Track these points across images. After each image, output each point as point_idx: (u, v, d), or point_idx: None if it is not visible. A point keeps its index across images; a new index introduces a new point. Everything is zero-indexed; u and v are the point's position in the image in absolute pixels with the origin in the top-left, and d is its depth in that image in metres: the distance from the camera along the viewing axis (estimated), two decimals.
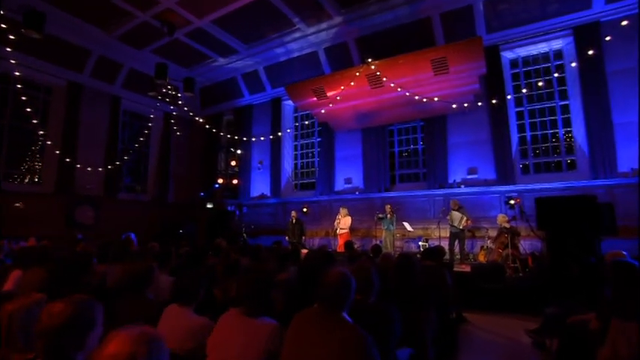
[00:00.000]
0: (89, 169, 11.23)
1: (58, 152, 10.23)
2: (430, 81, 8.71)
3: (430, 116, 10.09)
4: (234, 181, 12.80)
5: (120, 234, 12.20)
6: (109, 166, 11.82)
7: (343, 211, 8.93)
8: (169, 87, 10.24)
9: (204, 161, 14.21)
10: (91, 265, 2.87)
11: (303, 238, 9.83)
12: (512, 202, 8.05)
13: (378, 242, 9.27)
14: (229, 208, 12.71)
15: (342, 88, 8.55)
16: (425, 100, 8.10)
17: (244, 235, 9.16)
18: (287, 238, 9.73)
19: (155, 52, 11.98)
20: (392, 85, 8.11)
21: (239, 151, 13.08)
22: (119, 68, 12.06)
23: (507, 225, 6.84)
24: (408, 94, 8.02)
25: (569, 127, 9.20)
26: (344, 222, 8.75)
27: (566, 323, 3.30)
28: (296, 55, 11.80)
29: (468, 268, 6.20)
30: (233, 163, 12.64)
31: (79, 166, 10.78)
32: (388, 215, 8.53)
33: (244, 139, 13.24)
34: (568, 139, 9.27)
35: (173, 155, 14.28)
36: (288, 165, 12.97)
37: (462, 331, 4.68)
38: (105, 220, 11.70)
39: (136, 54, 11.94)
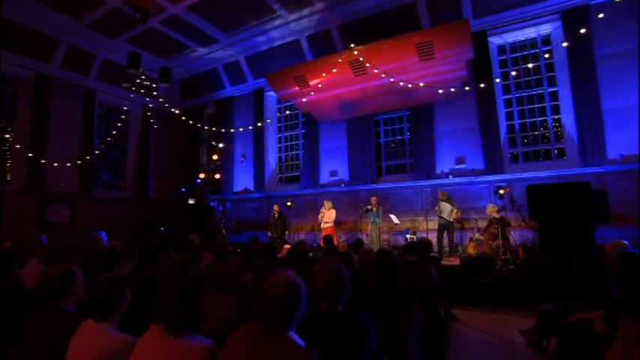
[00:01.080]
0: (62, 165, 10.57)
1: (19, 147, 9.58)
2: (416, 67, 8.28)
3: (416, 105, 9.68)
4: (217, 176, 12.25)
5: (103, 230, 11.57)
6: (80, 162, 11.13)
7: (327, 204, 8.48)
8: (143, 77, 9.60)
9: (186, 155, 13.60)
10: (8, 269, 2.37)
11: (286, 233, 9.38)
12: (501, 191, 7.70)
13: (364, 236, 8.91)
14: (212, 203, 12.18)
15: (324, 75, 8.06)
16: (410, 86, 7.66)
17: (223, 231, 8.67)
18: (269, 233, 9.27)
19: (130, 42, 11.31)
20: (375, 71, 7.66)
21: (221, 145, 12.52)
22: (92, 59, 11.36)
23: (497, 215, 6.49)
24: (392, 79, 7.58)
25: (558, 114, 8.89)
26: (328, 215, 8.31)
27: (565, 322, 2.92)
28: (278, 43, 11.26)
29: (457, 262, 5.82)
30: (215, 157, 12.08)
31: (43, 161, 10.09)
32: (374, 208, 8.12)
33: (226, 131, 12.69)
34: (557, 127, 8.96)
35: (153, 150, 13.64)
36: (272, 158, 12.47)
37: (451, 329, 4.29)
38: (81, 219, 11.09)
39: (110, 44, 11.25)
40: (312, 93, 8.77)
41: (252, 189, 12.23)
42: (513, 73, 8.81)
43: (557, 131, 8.95)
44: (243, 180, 12.59)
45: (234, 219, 12.18)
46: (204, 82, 13.13)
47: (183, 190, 12.39)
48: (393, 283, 2.53)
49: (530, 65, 9.12)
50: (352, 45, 8.02)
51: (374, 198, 8.28)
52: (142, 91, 10.32)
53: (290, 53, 11.18)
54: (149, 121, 13.35)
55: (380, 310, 2.31)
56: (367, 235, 8.47)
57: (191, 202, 12.19)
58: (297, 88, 9.22)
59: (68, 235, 9.62)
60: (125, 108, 12.63)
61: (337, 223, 10.17)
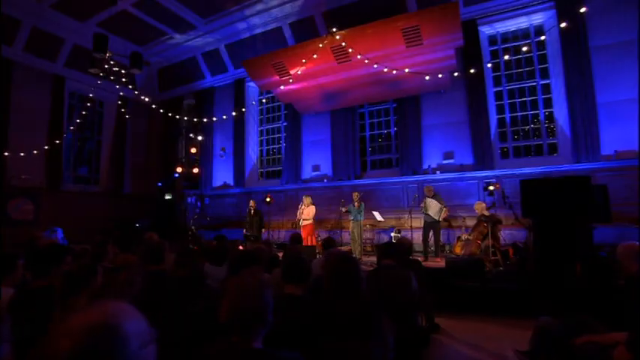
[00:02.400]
0: (25, 156, 9.74)
1: None
2: (402, 55, 7.67)
3: (403, 96, 9.08)
4: (195, 170, 11.51)
5: (66, 229, 10.77)
6: (46, 153, 10.31)
7: (306, 200, 7.84)
8: (112, 63, 8.83)
9: (164, 149, 12.84)
10: None
11: (263, 230, 8.72)
12: (491, 187, 7.14)
13: (347, 234, 8.29)
14: (189, 199, 11.44)
15: (304, 62, 7.39)
16: (395, 72, 7.03)
17: (192, 228, 7.97)
18: (244, 230, 8.61)
19: (101, 26, 10.46)
20: (359, 57, 7.02)
21: (200, 138, 11.77)
22: (60, 43, 10.50)
23: (486, 213, 5.93)
24: (376, 66, 6.95)
25: (551, 107, 8.37)
26: (307, 212, 7.67)
27: (570, 344, 2.34)
28: (259, 31, 10.55)
29: (442, 263, 5.24)
30: (193, 150, 11.34)
31: (7, 153, 9.26)
32: (355, 204, 7.51)
33: (206, 124, 11.96)
34: (549, 121, 8.45)
35: (129, 142, 12.85)
36: (253, 152, 11.77)
37: (434, 343, 3.69)
38: (48, 215, 10.22)
39: (80, 27, 10.41)
40: (291, 81, 8.10)
41: (232, 184, 11.53)
42: (506, 57, 8.22)
43: (549, 125, 8.44)
44: (222, 175, 11.87)
45: (213, 215, 11.48)
46: (183, 71, 12.36)
47: (160, 184, 11.62)
48: (356, 302, 1.91)
49: (522, 56, 8.61)
50: (334, 29, 7.37)
51: (356, 194, 7.66)
52: (112, 77, 9.50)
53: (272, 41, 10.46)
54: (125, 113, 12.56)
55: (337, 342, 1.69)
56: (349, 233, 7.86)
57: (168, 197, 11.43)
58: (277, 76, 8.54)
59: (31, 233, 8.86)
60: (99, 99, 11.87)
61: (319, 220, 9.55)
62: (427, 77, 6.70)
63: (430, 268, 4.98)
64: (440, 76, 6.85)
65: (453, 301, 4.52)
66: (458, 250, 7.07)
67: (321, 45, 7.49)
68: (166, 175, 12.00)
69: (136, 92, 10.85)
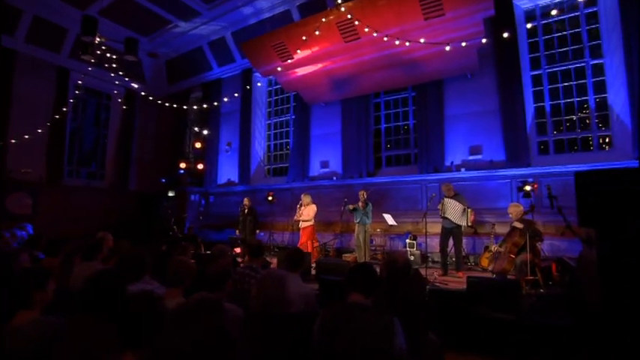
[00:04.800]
0: (26, 149, 9.28)
1: None
2: (421, 31, 6.38)
3: (422, 82, 7.78)
4: (200, 166, 10.69)
5: (65, 226, 10.18)
6: (52, 147, 9.85)
7: (306, 198, 6.70)
8: (104, 48, 8.14)
9: (172, 144, 12.15)
10: None
11: (257, 232, 7.69)
12: (527, 188, 5.76)
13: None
14: (192, 197, 10.64)
15: (305, 39, 6.29)
16: (407, 44, 5.73)
17: (174, 228, 7.08)
18: (237, 232, 7.64)
19: (104, 15, 9.86)
20: (366, 30, 5.82)
21: (205, 132, 10.96)
22: (63, 34, 10.00)
23: (520, 223, 4.53)
24: (386, 39, 5.71)
25: (604, 92, 6.80)
26: (307, 212, 6.54)
27: None
28: (266, 15, 9.56)
29: (464, 280, 3.95)
30: (198, 145, 10.53)
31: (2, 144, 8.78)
32: (360, 204, 6.31)
33: (212, 118, 11.17)
34: (601, 109, 6.88)
35: (136, 137, 12.27)
36: (259, 147, 10.80)
37: None
38: (47, 210, 9.73)
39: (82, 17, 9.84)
40: (290, 60, 7.02)
41: (237, 181, 10.62)
42: (554, 14, 6.53)
43: (601, 115, 6.87)
44: (228, 171, 10.99)
45: (217, 214, 10.64)
46: (190, 62, 11.61)
47: (163, 180, 10.90)
48: None
49: (567, 32, 7.11)
50: (340, 1, 6.22)
51: (362, 192, 6.46)
52: (113, 66, 8.80)
53: (280, 26, 9.45)
54: (133, 107, 12.00)
55: None
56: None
57: (171, 194, 10.68)
58: (279, 60, 7.49)
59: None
60: (106, 92, 11.37)
61: (327, 223, 8.47)
62: (447, 47, 5.38)
63: (445, 290, 3.72)
64: (463, 44, 5.48)
65: (476, 338, 3.26)
66: (485, 263, 5.72)
67: (324, 20, 6.35)
68: (171, 172, 11.28)
69: (136, 86, 10.13)
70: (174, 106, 10.40)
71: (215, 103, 10.35)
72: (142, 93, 11.11)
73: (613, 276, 2.78)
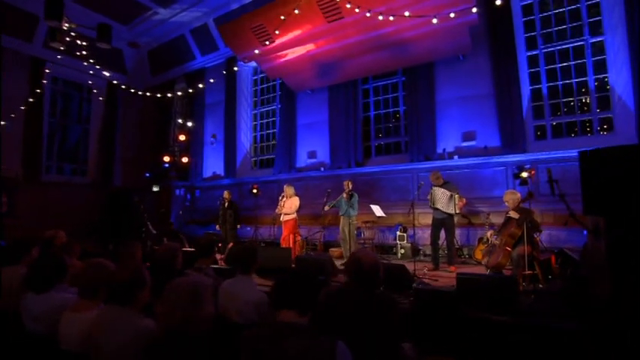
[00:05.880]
0: None
1: None
2: (410, 8, 5.87)
3: (412, 64, 7.28)
4: (184, 159, 10.19)
5: (45, 224, 9.68)
6: (28, 143, 9.34)
7: (289, 190, 6.22)
8: (73, 34, 7.59)
9: (156, 137, 11.62)
10: None
11: (238, 226, 7.22)
12: (524, 174, 5.30)
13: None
14: (177, 191, 10.16)
15: (283, 18, 5.77)
16: (392, 18, 5.22)
17: (148, 224, 6.61)
18: (217, 226, 7.18)
19: (80, 2, 9.30)
20: (348, 6, 5.31)
21: (190, 124, 10.44)
22: (34, 22, 9.40)
23: (516, 212, 4.05)
24: (368, 14, 5.20)
25: (604, 72, 6.33)
26: (289, 205, 6.07)
27: None
28: None
29: (453, 280, 3.48)
30: (182, 137, 10.02)
31: None
32: (345, 195, 5.85)
33: (196, 109, 10.65)
34: (601, 90, 6.41)
35: (120, 131, 11.73)
36: (245, 139, 10.30)
37: None
38: (25, 208, 9.22)
39: None
40: (270, 43, 6.49)
41: (222, 174, 10.14)
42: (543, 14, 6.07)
43: (601, 96, 6.41)
44: (213, 164, 10.50)
45: (203, 209, 10.17)
46: (173, 52, 11.04)
47: (147, 175, 10.40)
48: None
49: (565, 9, 6.61)
50: None
51: (347, 182, 5.99)
52: (79, 53, 8.22)
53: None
54: (115, 100, 11.45)
55: None
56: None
57: (155, 189, 10.19)
58: (259, 44, 6.96)
59: (5, 227, 7.89)
60: (86, 85, 10.81)
61: (315, 216, 8.02)
62: (435, 20, 4.87)
63: (431, 290, 3.27)
64: (452, 15, 4.96)
65: (466, 343, 2.83)
66: (479, 255, 5.30)
67: None
68: (156, 166, 10.77)
69: (115, 82, 9.58)
70: (158, 95, 9.87)
71: (200, 86, 9.69)
72: (123, 86, 10.58)
73: (624, 268, 2.34)
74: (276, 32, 6.02)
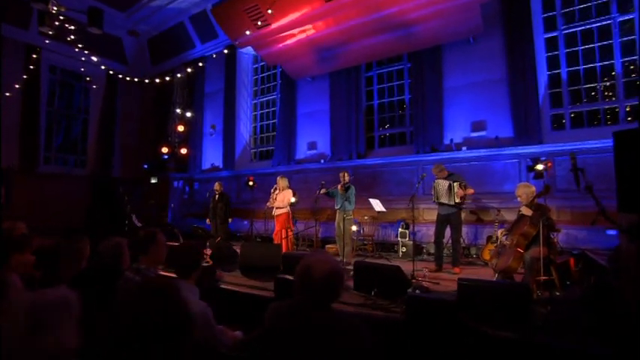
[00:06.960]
0: None
1: None
2: None
3: (418, 49, 6.71)
4: (183, 151, 9.85)
5: (42, 215, 9.46)
6: (24, 133, 9.12)
7: (282, 182, 5.77)
8: (62, 18, 7.25)
9: (156, 128, 11.31)
10: None
11: (230, 219, 6.82)
12: (539, 167, 4.75)
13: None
14: (175, 183, 9.84)
15: None
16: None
17: (132, 216, 6.27)
18: (207, 220, 6.80)
19: None
20: None
21: (189, 114, 10.08)
22: (29, 8, 9.10)
23: (530, 209, 3.51)
24: None
25: (633, 54, 5.66)
26: (281, 198, 5.63)
27: None
28: None
29: (454, 283, 2.97)
30: (181, 128, 9.67)
31: None
32: (340, 187, 5.38)
33: (196, 99, 10.27)
34: (630, 74, 5.76)
35: (119, 121, 11.46)
36: (245, 129, 9.89)
37: None
38: (21, 200, 9.01)
39: None
40: (263, 23, 6.02)
41: (221, 166, 9.76)
42: None
43: (629, 81, 5.75)
44: (212, 155, 10.14)
45: (201, 202, 9.83)
46: (173, 40, 10.66)
47: (145, 166, 10.11)
48: None
49: None
50: None
51: (343, 174, 5.51)
52: (69, 38, 7.91)
53: None
54: (115, 90, 11.18)
55: None
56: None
57: (153, 181, 9.90)
58: (254, 26, 6.49)
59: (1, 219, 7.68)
60: (85, 74, 10.51)
61: (314, 210, 7.54)
62: None
63: (427, 299, 2.78)
64: None
65: None
66: (487, 255, 4.78)
67: None
68: (155, 157, 10.47)
69: (111, 72, 9.26)
70: (157, 80, 9.53)
71: (200, 85, 9.36)
72: (120, 75, 10.29)
73: None
74: (269, 11, 5.54)
